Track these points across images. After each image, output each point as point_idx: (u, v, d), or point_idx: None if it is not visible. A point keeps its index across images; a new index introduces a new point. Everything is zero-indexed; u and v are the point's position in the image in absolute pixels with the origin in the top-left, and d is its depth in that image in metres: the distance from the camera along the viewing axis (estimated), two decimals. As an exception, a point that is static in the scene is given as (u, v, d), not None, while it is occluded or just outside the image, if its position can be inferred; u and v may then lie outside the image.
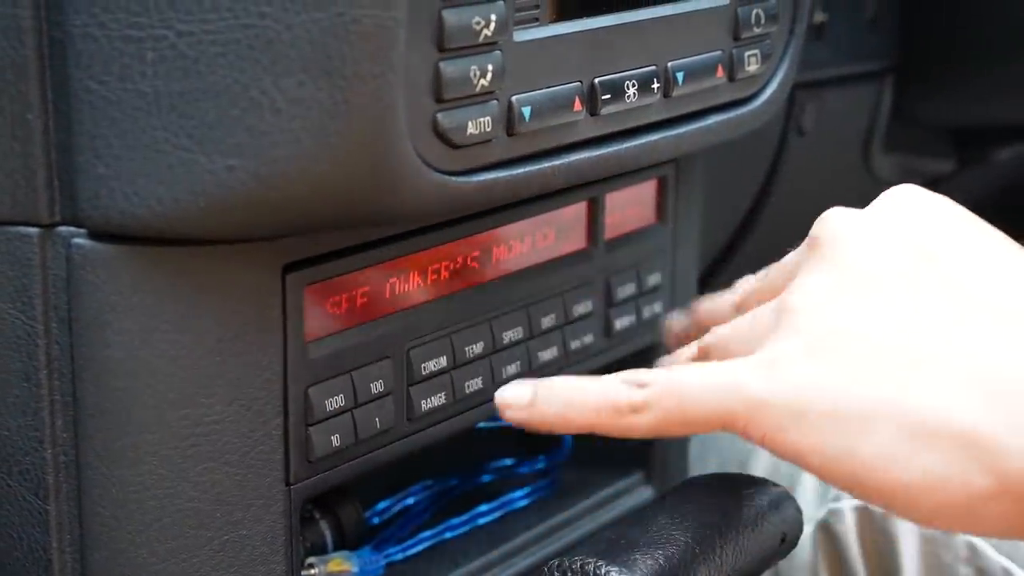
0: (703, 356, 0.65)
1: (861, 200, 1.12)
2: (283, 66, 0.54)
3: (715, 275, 1.01)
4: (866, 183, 1.05)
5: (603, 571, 0.62)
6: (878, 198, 0.63)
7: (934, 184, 1.10)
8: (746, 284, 0.69)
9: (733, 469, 0.92)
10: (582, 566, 0.62)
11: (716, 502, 0.68)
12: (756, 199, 1.00)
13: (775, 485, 0.70)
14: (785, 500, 0.70)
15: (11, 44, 0.57)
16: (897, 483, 0.55)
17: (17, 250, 0.59)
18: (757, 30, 0.73)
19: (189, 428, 0.61)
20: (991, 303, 0.57)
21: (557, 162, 0.65)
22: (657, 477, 0.86)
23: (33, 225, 0.59)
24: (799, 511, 0.70)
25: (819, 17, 0.94)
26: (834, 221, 0.61)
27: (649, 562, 0.63)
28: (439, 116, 0.58)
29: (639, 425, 0.60)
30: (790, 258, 0.65)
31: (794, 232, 1.10)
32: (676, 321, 0.72)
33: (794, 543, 0.70)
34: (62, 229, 0.59)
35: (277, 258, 0.62)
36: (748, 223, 1.01)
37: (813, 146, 0.98)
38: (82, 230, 0.58)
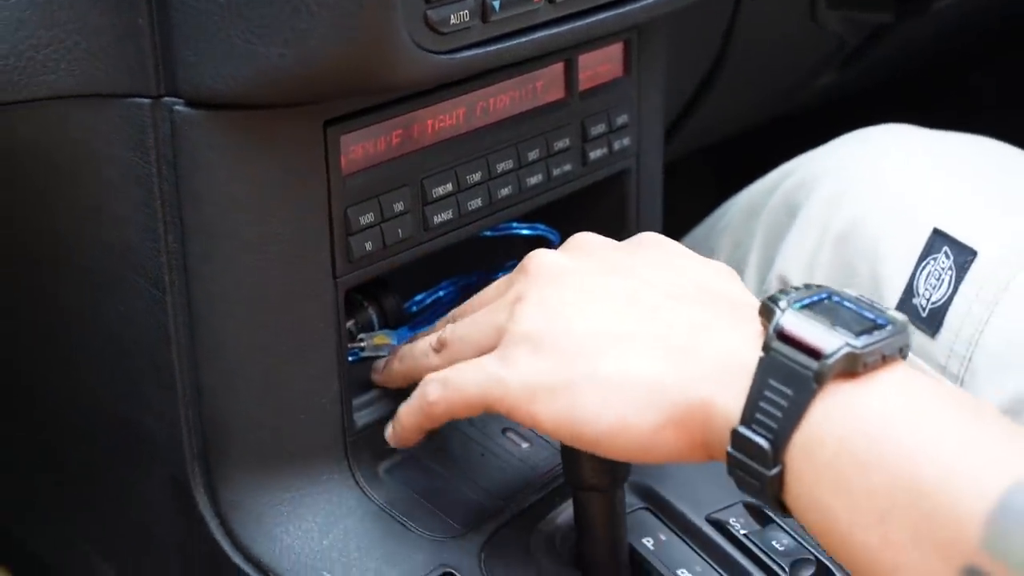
0: (441, 347, 0.88)
1: (810, 50, 1.31)
2: (314, -18, 0.77)
3: (686, 118, 1.22)
4: (813, 35, 1.24)
5: None
6: (567, 242, 0.88)
7: (877, 33, 1.29)
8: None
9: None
10: None
11: None
12: (717, 54, 1.19)
13: None
14: None
15: (125, -31, 0.80)
16: (602, 429, 0.76)
17: (135, 115, 0.83)
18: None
19: (261, 239, 0.85)
20: (660, 292, 0.80)
21: (523, 39, 0.87)
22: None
23: (146, 97, 0.82)
24: None
25: None
26: (541, 255, 0.85)
27: None
28: (428, 12, 0.81)
29: (433, 407, 0.84)
30: (502, 282, 0.88)
31: (750, 81, 1.30)
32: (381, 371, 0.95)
33: None
34: (166, 99, 0.82)
35: (320, 116, 0.85)
36: (711, 75, 1.20)
37: (763, 6, 1.18)
38: (180, 100, 0.81)
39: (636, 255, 0.85)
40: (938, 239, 0.99)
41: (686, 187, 1.63)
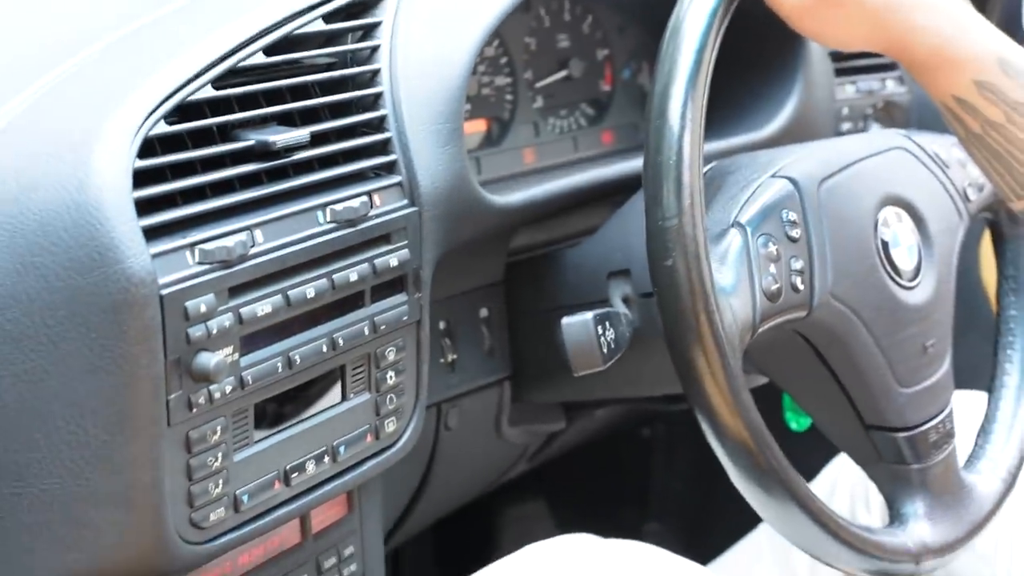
0: None
1: (501, 454, 1.53)
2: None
3: (407, 515, 1.48)
4: (501, 445, 1.44)
5: None
6: None
7: (554, 436, 1.54)
8: None
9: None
10: None
11: None
12: (425, 468, 1.38)
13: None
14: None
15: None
16: None
17: None
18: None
19: None
20: None
21: (267, 519, 1.09)
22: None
23: None
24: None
25: (451, 356, 1.33)
26: None
27: None
28: (192, 515, 1.03)
29: None
30: None
31: (458, 482, 1.51)
32: None
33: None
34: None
35: None
36: (423, 483, 1.39)
37: (457, 435, 1.38)
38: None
39: None
40: None
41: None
